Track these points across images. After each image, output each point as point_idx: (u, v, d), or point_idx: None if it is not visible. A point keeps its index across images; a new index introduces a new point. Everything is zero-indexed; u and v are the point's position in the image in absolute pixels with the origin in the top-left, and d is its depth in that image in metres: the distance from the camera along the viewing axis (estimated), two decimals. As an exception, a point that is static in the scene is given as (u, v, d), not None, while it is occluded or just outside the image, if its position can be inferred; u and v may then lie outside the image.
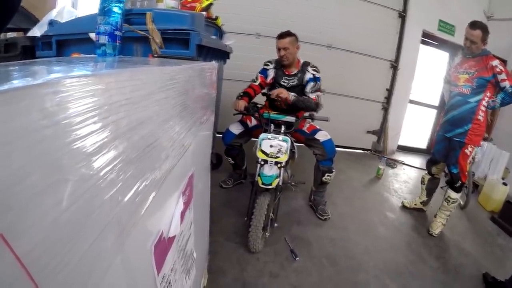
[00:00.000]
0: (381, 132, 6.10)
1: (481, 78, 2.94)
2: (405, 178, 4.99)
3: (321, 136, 3.02)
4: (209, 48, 2.20)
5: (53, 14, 2.52)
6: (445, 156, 3.30)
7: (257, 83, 3.13)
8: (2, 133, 0.31)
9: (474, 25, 2.93)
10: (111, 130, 0.51)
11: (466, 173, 3.15)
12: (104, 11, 1.40)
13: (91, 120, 0.46)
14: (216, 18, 2.82)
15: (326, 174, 3.06)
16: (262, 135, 2.51)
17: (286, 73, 3.12)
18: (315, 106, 2.94)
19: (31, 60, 0.86)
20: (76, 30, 2.04)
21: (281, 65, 3.13)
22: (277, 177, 2.42)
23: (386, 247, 2.88)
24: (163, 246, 0.86)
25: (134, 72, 0.65)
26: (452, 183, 3.19)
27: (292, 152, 2.64)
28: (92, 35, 1.54)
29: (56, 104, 0.38)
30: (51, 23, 2.27)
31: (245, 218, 2.57)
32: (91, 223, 0.48)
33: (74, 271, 0.44)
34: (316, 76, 3.08)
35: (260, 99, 3.20)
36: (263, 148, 2.46)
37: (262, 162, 2.47)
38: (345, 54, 5.56)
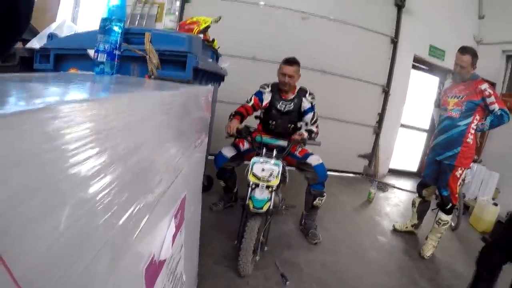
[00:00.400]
0: (372, 156, 6.14)
1: (470, 102, 3.01)
2: (396, 201, 5.01)
3: (313, 160, 3.04)
4: (205, 70, 2.22)
5: (52, 27, 2.53)
6: (436, 179, 3.33)
7: (250, 104, 3.14)
8: (2, 156, 0.31)
9: (463, 50, 3.03)
10: (109, 155, 0.52)
11: (457, 195, 3.19)
12: (105, 29, 1.41)
13: (89, 145, 0.46)
14: (213, 41, 2.85)
15: (318, 198, 3.06)
16: (254, 159, 2.52)
17: (283, 97, 3.15)
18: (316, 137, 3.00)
19: (29, 74, 0.86)
20: (75, 46, 2.04)
21: (277, 89, 3.16)
22: (268, 200, 2.41)
23: (378, 271, 2.87)
24: (154, 269, 0.85)
25: (132, 98, 0.66)
26: (443, 206, 3.21)
27: (283, 176, 2.64)
28: (91, 52, 1.55)
29: (56, 129, 0.39)
30: (51, 36, 2.28)
31: (235, 242, 2.54)
32: (86, 246, 0.48)
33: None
34: (313, 104, 3.13)
35: (252, 123, 3.22)
36: (254, 172, 2.46)
37: (254, 186, 2.47)
38: (338, 79, 5.65)
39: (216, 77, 2.94)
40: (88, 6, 6.20)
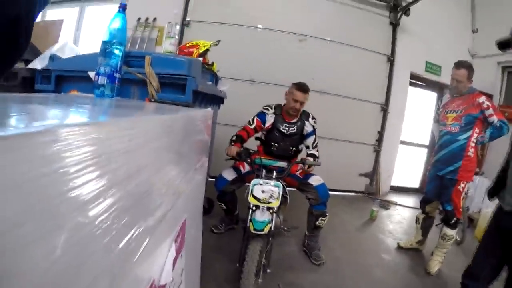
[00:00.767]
0: (373, 174, 6.13)
1: (469, 116, 3.03)
2: (399, 218, 4.97)
3: (315, 180, 3.03)
4: (205, 93, 2.23)
5: (54, 49, 2.56)
6: (438, 194, 3.31)
7: (252, 126, 3.16)
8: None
9: (459, 64, 3.07)
10: (108, 179, 0.51)
11: (461, 209, 3.16)
12: (105, 52, 1.43)
13: (89, 168, 0.46)
14: (212, 64, 2.88)
15: (320, 219, 3.04)
16: (254, 181, 2.51)
17: (286, 120, 3.17)
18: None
19: (30, 95, 0.86)
20: (76, 68, 2.06)
21: (281, 111, 3.18)
22: (269, 222, 2.38)
23: (384, 291, 2.81)
24: (154, 294, 0.83)
25: (133, 121, 0.66)
26: (447, 220, 3.19)
27: (284, 197, 2.62)
28: (92, 74, 1.56)
29: (55, 152, 0.38)
30: (52, 57, 2.30)
31: (237, 264, 2.50)
32: (83, 272, 0.47)
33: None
34: (315, 128, 3.18)
35: (252, 144, 3.22)
36: (254, 194, 2.44)
37: (254, 208, 2.44)
38: (336, 99, 5.70)
39: (216, 100, 2.96)
40: (90, 28, 6.31)
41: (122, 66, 1.50)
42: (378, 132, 6.05)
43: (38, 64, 2.37)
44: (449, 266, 3.31)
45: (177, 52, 2.60)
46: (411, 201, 5.99)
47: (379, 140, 6.06)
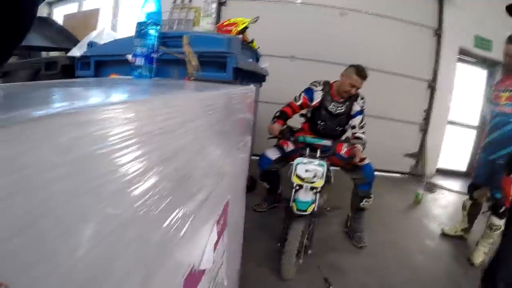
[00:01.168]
0: (419, 155, 5.88)
1: None
2: (445, 203, 4.76)
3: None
4: (245, 71, 2.18)
5: (92, 36, 2.61)
6: (488, 180, 3.10)
7: (298, 103, 3.08)
8: (10, 171, 0.26)
9: (510, 39, 2.79)
10: (142, 163, 0.46)
11: (511, 198, 2.94)
12: (141, 33, 1.40)
13: (118, 153, 0.41)
14: (252, 41, 2.82)
15: (364, 200, 2.95)
16: (297, 160, 2.44)
17: (335, 99, 3.07)
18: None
19: (64, 80, 0.84)
20: (114, 52, 2.08)
21: (329, 89, 3.08)
22: (312, 202, 2.34)
23: (425, 278, 2.70)
24: (193, 278, 0.80)
25: (167, 99, 0.61)
26: (496, 209, 2.96)
27: (328, 177, 2.55)
28: (129, 57, 1.55)
29: (76, 137, 0.33)
30: (90, 44, 2.34)
31: (279, 244, 2.49)
32: (114, 267, 0.43)
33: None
34: (364, 108, 3.08)
35: (296, 121, 3.16)
36: (298, 173, 2.39)
37: (297, 187, 2.40)
38: (380, 75, 5.44)
39: (257, 77, 2.90)
40: (127, 15, 6.40)
41: (159, 46, 1.47)
42: (425, 110, 5.76)
43: (77, 51, 2.42)
44: (494, 258, 3.14)
45: (215, 31, 2.56)
46: (458, 185, 5.68)
47: (426, 119, 5.77)
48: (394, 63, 5.51)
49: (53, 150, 0.30)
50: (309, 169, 2.38)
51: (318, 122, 3.12)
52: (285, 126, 2.90)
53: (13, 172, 0.26)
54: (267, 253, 2.64)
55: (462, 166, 6.51)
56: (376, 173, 3.03)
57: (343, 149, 3.01)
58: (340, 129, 3.14)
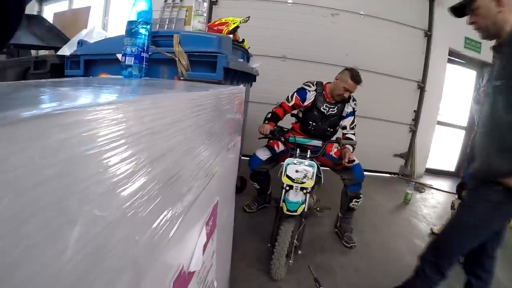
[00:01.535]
0: (408, 155, 5.94)
1: None
2: (434, 203, 4.80)
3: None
4: (236, 71, 2.18)
5: (83, 34, 2.58)
6: None
7: (290, 104, 3.09)
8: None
9: None
10: (130, 164, 0.46)
11: None
12: (131, 32, 1.39)
13: (106, 154, 0.40)
14: (243, 41, 2.81)
15: (354, 200, 2.96)
16: (288, 160, 2.44)
17: (327, 100, 3.08)
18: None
19: (50, 80, 0.83)
20: (104, 51, 2.06)
21: (322, 90, 3.09)
22: (302, 203, 2.34)
23: (415, 277, 2.73)
24: (183, 280, 0.79)
25: (156, 100, 0.60)
26: None
27: (318, 177, 2.56)
28: (119, 56, 1.54)
29: (64, 138, 0.33)
30: (80, 42, 2.32)
31: (269, 245, 2.49)
32: (102, 268, 0.42)
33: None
34: (355, 110, 3.09)
35: (287, 122, 3.16)
36: (288, 173, 2.39)
37: (287, 188, 2.40)
38: (371, 75, 5.48)
39: (248, 77, 2.89)
40: (118, 14, 6.36)
41: (149, 45, 1.46)
42: (415, 111, 5.82)
43: (67, 50, 2.39)
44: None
45: (206, 31, 2.54)
46: (447, 185, 5.77)
47: (415, 120, 5.84)
48: (385, 64, 5.55)
49: (41, 151, 0.30)
50: (299, 170, 2.38)
51: (310, 122, 3.12)
52: (275, 127, 2.90)
53: (1, 173, 0.26)
54: (257, 254, 2.64)
55: (451, 166, 6.61)
56: (365, 173, 3.04)
57: (333, 150, 3.02)
58: (331, 130, 3.15)
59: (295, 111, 3.24)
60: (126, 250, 0.48)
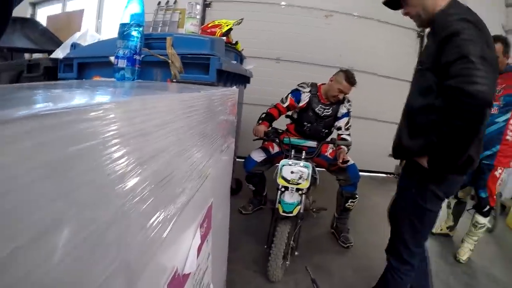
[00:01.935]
0: (404, 155, 5.93)
1: (508, 96, 2.80)
2: (429, 202, 4.80)
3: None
4: (229, 73, 2.18)
5: (76, 37, 2.58)
6: (472, 179, 3.15)
7: (285, 105, 3.10)
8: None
9: (493, 39, 2.83)
10: (121, 165, 0.46)
11: (495, 197, 2.98)
12: (123, 35, 1.39)
13: (97, 155, 0.40)
14: (236, 43, 2.82)
15: (350, 200, 2.97)
16: (283, 161, 2.44)
17: (322, 101, 3.09)
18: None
19: (36, 83, 0.83)
20: (97, 53, 2.05)
21: (316, 91, 3.10)
22: (298, 204, 2.34)
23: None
24: (177, 283, 0.79)
25: (147, 101, 0.60)
26: (480, 208, 3.01)
27: (313, 178, 2.56)
28: (112, 59, 1.53)
29: (55, 138, 0.33)
30: (74, 45, 2.31)
31: (265, 246, 2.48)
32: (95, 271, 0.42)
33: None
34: (350, 111, 3.12)
35: (281, 123, 3.16)
36: (283, 175, 2.39)
37: (283, 189, 2.40)
38: (365, 76, 5.48)
39: (241, 79, 2.90)
40: (111, 16, 6.34)
41: (142, 48, 1.45)
42: (409, 110, 5.81)
43: (60, 53, 2.39)
44: (480, 254, 3.18)
45: (199, 33, 2.54)
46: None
47: (410, 119, 5.83)
48: (378, 64, 5.56)
49: (32, 151, 0.30)
50: (294, 171, 2.38)
51: (305, 123, 3.13)
52: (270, 128, 2.90)
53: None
54: (254, 256, 2.64)
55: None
56: (361, 173, 3.05)
57: (328, 150, 3.03)
58: (325, 131, 3.16)
59: (289, 112, 3.25)
60: (118, 252, 0.47)
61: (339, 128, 3.09)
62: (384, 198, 4.56)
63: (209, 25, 2.71)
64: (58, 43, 3.08)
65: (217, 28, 2.62)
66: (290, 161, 2.44)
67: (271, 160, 3.11)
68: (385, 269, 2.04)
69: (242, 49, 2.96)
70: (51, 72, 2.28)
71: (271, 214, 2.47)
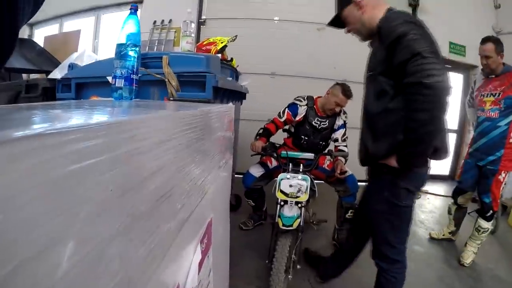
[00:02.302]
0: (402, 163, 5.94)
1: (509, 98, 2.79)
2: (431, 208, 4.82)
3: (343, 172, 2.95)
4: (225, 89, 2.20)
5: (73, 57, 2.61)
6: (474, 185, 3.14)
7: (282, 120, 3.12)
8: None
9: (484, 40, 2.85)
10: (120, 183, 0.47)
11: (499, 201, 2.98)
12: (120, 55, 1.41)
13: (96, 173, 0.41)
14: (231, 60, 2.85)
15: (350, 211, 2.97)
16: (281, 175, 2.45)
17: (318, 114, 3.12)
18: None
19: (34, 104, 0.84)
20: (95, 74, 2.08)
21: (313, 104, 3.13)
22: (298, 217, 2.34)
23: (416, 282, 2.70)
24: (180, 299, 0.79)
25: (144, 119, 0.61)
26: (483, 212, 3.00)
27: (312, 191, 2.56)
28: (110, 78, 1.55)
29: (55, 157, 0.34)
30: (71, 66, 2.33)
31: (266, 261, 2.47)
32: (96, 285, 0.43)
33: None
34: (346, 122, 3.15)
35: (279, 137, 3.17)
36: (282, 188, 2.39)
37: (282, 203, 2.40)
38: (360, 87, 5.45)
39: (237, 95, 2.92)
40: (107, 36, 6.41)
41: (139, 67, 1.47)
42: (405, 119, 5.84)
43: (58, 73, 2.41)
44: (484, 257, 3.18)
45: (195, 51, 2.57)
46: (442, 189, 5.78)
47: (406, 127, 5.85)
48: (372, 74, 5.60)
49: (31, 170, 0.31)
50: (293, 184, 2.38)
51: (302, 137, 3.15)
52: (267, 143, 2.92)
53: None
54: (256, 271, 2.63)
55: (445, 170, 6.62)
56: (360, 183, 3.05)
57: (326, 162, 3.04)
58: (323, 143, 3.18)
59: (287, 126, 3.27)
60: (120, 268, 0.48)
61: (336, 140, 3.11)
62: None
63: (204, 43, 2.75)
64: (55, 64, 3.12)
65: (212, 46, 2.66)
66: (288, 175, 2.44)
67: (270, 175, 3.12)
68: (377, 274, 2.07)
69: (237, 66, 2.99)
70: (49, 93, 2.30)
71: (272, 228, 2.47)
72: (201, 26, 5.56)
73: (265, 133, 3.03)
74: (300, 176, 2.43)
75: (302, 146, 3.14)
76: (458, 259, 3.11)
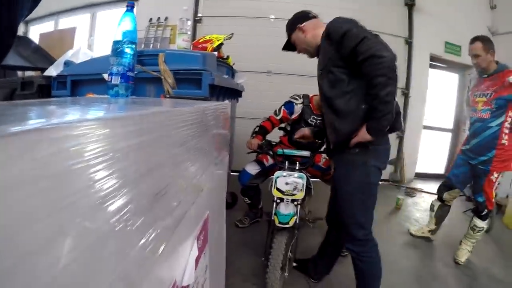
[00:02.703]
0: (397, 161, 5.99)
1: (500, 99, 2.78)
2: (426, 206, 4.77)
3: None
4: (221, 87, 2.20)
5: (69, 55, 2.59)
6: (462, 182, 3.15)
7: (278, 117, 3.12)
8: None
9: (472, 39, 2.87)
10: (117, 179, 0.47)
11: (493, 200, 2.98)
12: (117, 52, 1.41)
13: (93, 168, 0.42)
14: (227, 58, 2.85)
15: (345, 208, 2.97)
16: (277, 173, 2.45)
17: (314, 112, 3.12)
18: None
19: (30, 101, 0.84)
20: (90, 71, 2.07)
21: (309, 102, 3.13)
22: (294, 215, 2.34)
23: (411, 281, 2.75)
24: (176, 295, 0.79)
25: (141, 116, 0.61)
26: (478, 212, 3.02)
27: (308, 188, 2.57)
28: (106, 76, 1.55)
29: (52, 153, 0.34)
30: (67, 63, 2.32)
31: (263, 258, 2.47)
32: (95, 282, 0.43)
33: None
34: None
35: (275, 135, 3.17)
36: (278, 186, 2.39)
37: (278, 201, 2.40)
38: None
39: (233, 93, 2.93)
40: (103, 33, 6.39)
41: (135, 64, 1.47)
42: (400, 117, 5.87)
43: (53, 71, 2.39)
44: (479, 255, 3.21)
45: (191, 48, 2.57)
46: (437, 187, 5.80)
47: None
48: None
49: (30, 165, 0.31)
50: (289, 182, 2.39)
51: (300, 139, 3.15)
52: (263, 141, 2.92)
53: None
54: (252, 269, 2.64)
55: (440, 169, 6.66)
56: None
57: (322, 160, 3.05)
58: (319, 141, 3.17)
59: (283, 125, 3.27)
60: (117, 264, 0.49)
61: None
62: (379, 204, 4.55)
63: (200, 41, 2.75)
64: (51, 61, 3.10)
65: (208, 43, 2.66)
66: (285, 173, 2.45)
67: (266, 173, 3.12)
68: (353, 261, 2.18)
69: (233, 64, 2.99)
70: (45, 90, 2.29)
71: (268, 226, 2.48)
72: (197, 23, 5.55)
73: (261, 131, 3.03)
74: (296, 174, 2.44)
75: (298, 143, 3.14)
76: (453, 258, 3.14)
